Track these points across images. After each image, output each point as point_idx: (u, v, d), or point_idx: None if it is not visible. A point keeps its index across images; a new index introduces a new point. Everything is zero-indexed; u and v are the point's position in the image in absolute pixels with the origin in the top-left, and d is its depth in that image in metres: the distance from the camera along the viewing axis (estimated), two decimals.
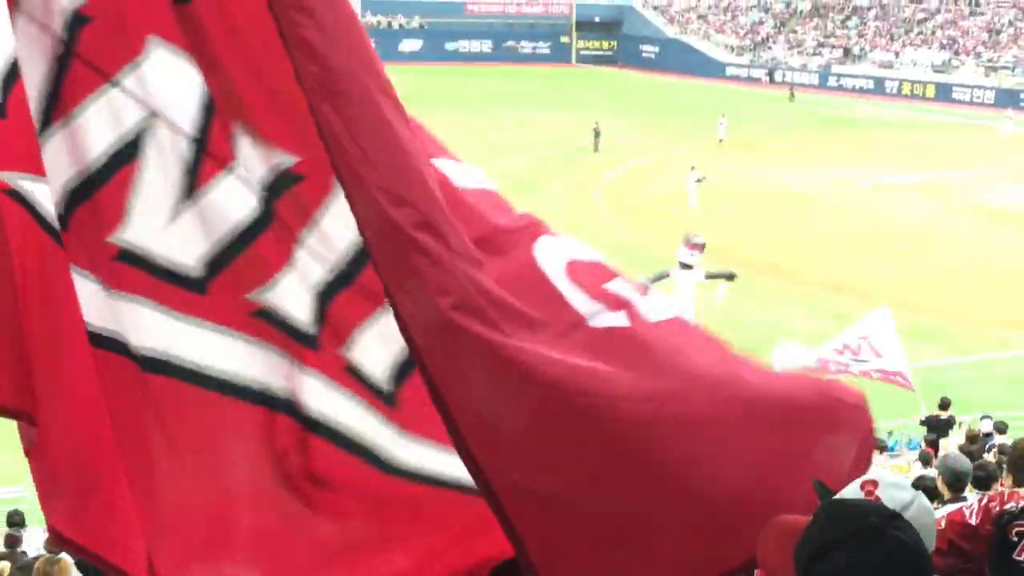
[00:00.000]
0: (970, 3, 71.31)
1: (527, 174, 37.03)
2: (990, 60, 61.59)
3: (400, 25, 76.70)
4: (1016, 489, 3.35)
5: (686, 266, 13.53)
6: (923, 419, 14.89)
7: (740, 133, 44.62)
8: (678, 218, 30.73)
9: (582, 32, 79.76)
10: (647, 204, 32.88)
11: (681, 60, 72.94)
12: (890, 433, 15.06)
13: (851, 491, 2.08)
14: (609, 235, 29.38)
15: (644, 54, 77.06)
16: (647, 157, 40.75)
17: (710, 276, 14.44)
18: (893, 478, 2.10)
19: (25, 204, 1.87)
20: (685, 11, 79.73)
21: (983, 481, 6.49)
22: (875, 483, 2.10)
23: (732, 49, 73.14)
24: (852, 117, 53.06)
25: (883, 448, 13.22)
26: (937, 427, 14.24)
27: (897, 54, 65.94)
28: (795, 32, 74.05)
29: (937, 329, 22.00)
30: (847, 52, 68.46)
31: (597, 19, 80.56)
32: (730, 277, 14.80)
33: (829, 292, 24.21)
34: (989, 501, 3.26)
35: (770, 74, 67.80)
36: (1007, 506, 3.17)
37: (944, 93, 59.71)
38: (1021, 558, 3.09)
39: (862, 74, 64.71)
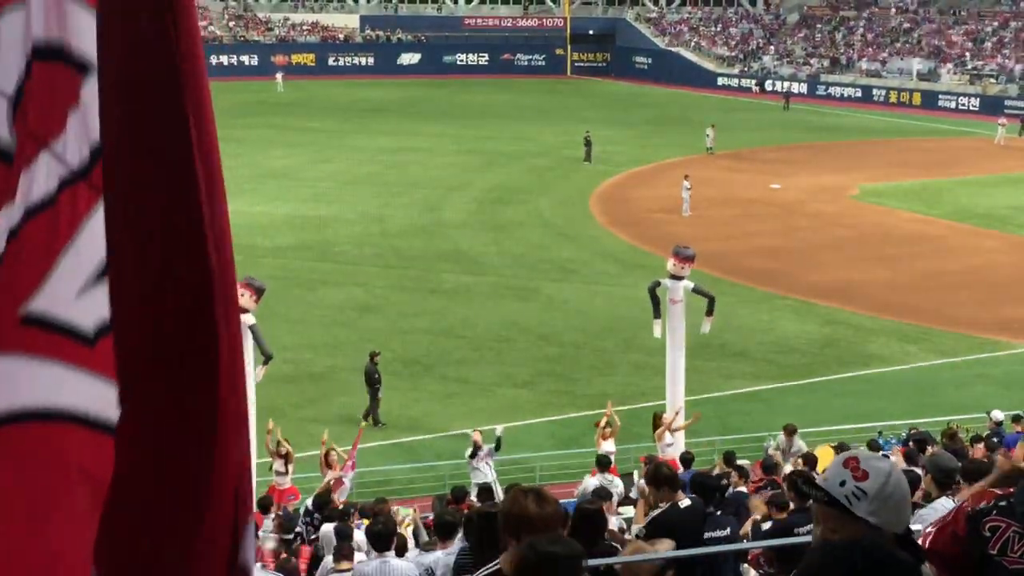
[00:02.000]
0: (954, 13, 72.29)
1: (523, 184, 37.63)
2: (975, 68, 62.48)
3: (399, 39, 77.37)
4: (991, 488, 3.49)
5: (676, 277, 13.92)
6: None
7: (731, 142, 45.30)
8: (671, 226, 31.38)
9: (576, 44, 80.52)
10: (640, 213, 33.49)
11: (673, 71, 73.76)
12: (880, 433, 15.66)
13: (836, 467, 2.42)
14: (603, 244, 29.99)
15: (637, 65, 77.85)
16: (640, 166, 41.39)
17: (696, 291, 14.97)
18: (870, 453, 2.45)
19: None
20: (677, 23, 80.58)
21: (972, 474, 6.31)
22: (856, 459, 2.38)
23: (723, 60, 73.96)
24: (840, 125, 53.81)
25: (876, 449, 13.79)
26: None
27: (884, 63, 66.81)
28: (784, 43, 74.95)
29: (925, 332, 22.63)
30: (835, 61, 69.33)
31: (591, 32, 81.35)
32: (711, 301, 15.00)
33: (818, 297, 24.81)
34: (963, 504, 3.39)
35: (760, 84, 68.66)
36: (980, 505, 3.27)
37: (930, 101, 60.58)
38: (994, 551, 3.18)
39: (850, 83, 65.57)
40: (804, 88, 66.74)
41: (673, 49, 76.73)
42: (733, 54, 74.67)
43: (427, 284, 25.39)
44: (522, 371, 20.07)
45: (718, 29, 79.69)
